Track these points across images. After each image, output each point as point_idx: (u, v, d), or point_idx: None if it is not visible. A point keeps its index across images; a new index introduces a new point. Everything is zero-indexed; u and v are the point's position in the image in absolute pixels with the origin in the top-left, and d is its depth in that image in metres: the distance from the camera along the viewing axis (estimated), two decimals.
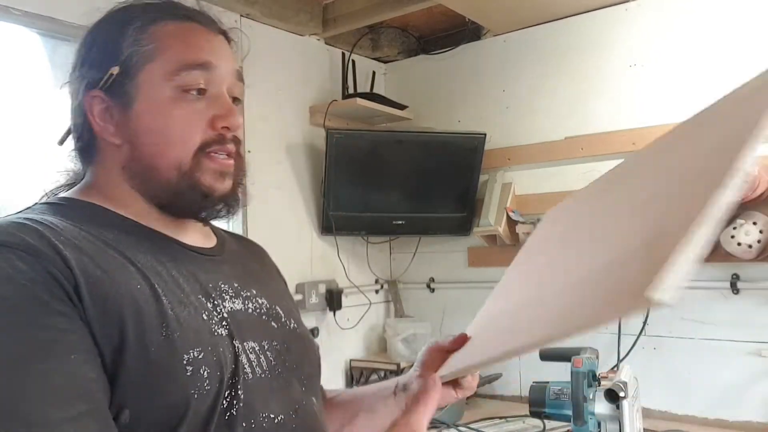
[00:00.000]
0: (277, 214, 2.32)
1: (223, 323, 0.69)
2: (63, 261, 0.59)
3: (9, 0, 1.61)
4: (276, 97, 2.36)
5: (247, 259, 0.86)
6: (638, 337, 2.11)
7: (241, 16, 2.25)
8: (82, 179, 0.78)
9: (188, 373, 0.61)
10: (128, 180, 0.74)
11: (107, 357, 0.58)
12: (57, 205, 0.71)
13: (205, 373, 0.62)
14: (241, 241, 0.93)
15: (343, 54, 2.57)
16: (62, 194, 0.76)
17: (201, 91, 0.74)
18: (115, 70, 0.72)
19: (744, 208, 1.89)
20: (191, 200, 0.74)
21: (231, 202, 0.77)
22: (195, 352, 0.62)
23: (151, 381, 0.59)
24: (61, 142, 0.79)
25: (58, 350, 0.55)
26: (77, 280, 0.58)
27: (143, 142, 0.73)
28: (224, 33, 0.80)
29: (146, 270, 0.66)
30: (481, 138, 2.38)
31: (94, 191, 0.74)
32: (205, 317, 0.68)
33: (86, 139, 0.75)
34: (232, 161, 0.76)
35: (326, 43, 2.59)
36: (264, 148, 2.30)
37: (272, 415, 0.69)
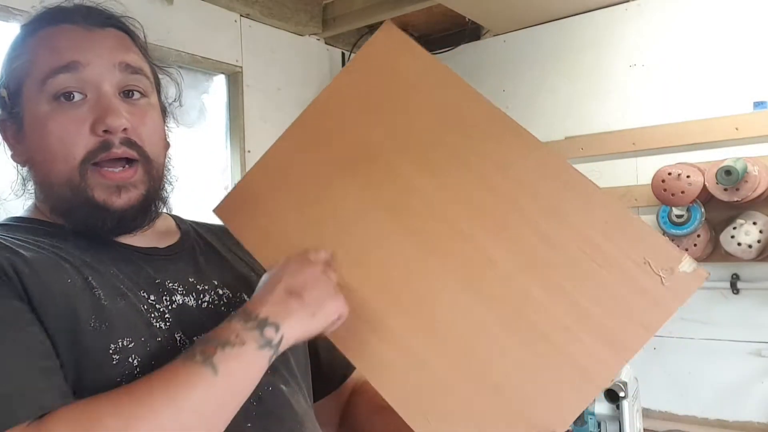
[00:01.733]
0: None
1: (165, 317, 0.68)
2: None
3: (9, 0, 1.61)
4: (276, 97, 2.36)
5: (214, 251, 0.83)
6: None
7: (241, 16, 2.25)
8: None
9: (114, 362, 0.62)
10: (41, 199, 0.73)
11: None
12: (3, 225, 0.73)
13: (135, 361, 0.63)
14: (215, 230, 0.88)
15: (343, 54, 2.57)
16: (11, 215, 0.76)
17: (71, 96, 0.68)
18: (3, 92, 0.70)
19: (744, 208, 1.89)
20: (88, 216, 0.68)
21: (144, 212, 0.71)
22: (125, 341, 0.63)
23: (80, 370, 0.61)
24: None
25: (21, 321, 0.58)
26: (9, 276, 0.60)
27: (36, 160, 0.70)
28: (114, 25, 0.73)
29: (81, 266, 0.66)
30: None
31: (37, 209, 0.74)
32: (143, 309, 0.67)
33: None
34: (130, 171, 0.69)
35: (326, 43, 2.59)
36: (264, 148, 2.27)
37: None
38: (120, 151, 0.68)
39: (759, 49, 1.94)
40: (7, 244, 0.65)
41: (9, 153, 0.73)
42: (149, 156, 0.71)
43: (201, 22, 2.11)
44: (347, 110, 0.77)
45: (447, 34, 2.68)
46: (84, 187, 0.67)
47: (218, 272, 0.79)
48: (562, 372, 0.64)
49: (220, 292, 0.77)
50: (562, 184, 0.67)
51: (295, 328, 0.63)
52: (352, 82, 0.78)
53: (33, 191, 0.74)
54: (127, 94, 0.71)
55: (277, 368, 0.74)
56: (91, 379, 0.61)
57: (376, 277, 0.73)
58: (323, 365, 0.86)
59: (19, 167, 0.74)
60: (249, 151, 2.25)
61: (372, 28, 2.66)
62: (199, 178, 2.12)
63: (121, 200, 0.69)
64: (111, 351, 0.62)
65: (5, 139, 0.72)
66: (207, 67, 2.19)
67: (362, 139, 0.75)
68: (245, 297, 0.78)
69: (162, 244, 0.77)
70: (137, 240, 0.74)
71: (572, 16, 2.30)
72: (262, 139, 2.29)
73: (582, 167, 2.31)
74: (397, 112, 0.74)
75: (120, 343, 0.63)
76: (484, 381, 0.66)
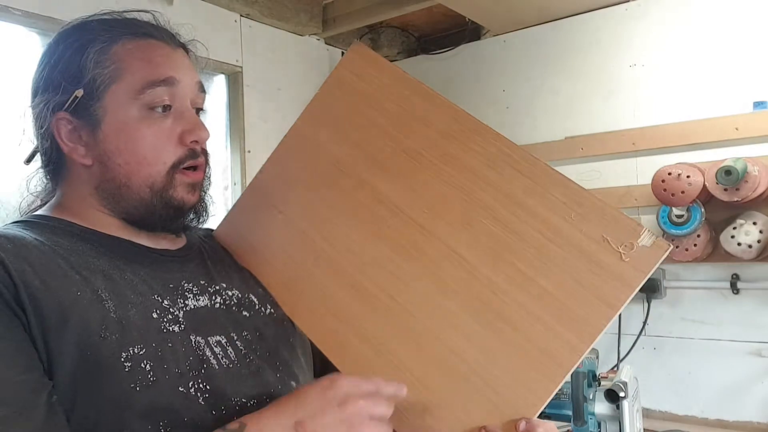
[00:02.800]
0: None
1: (179, 320, 0.71)
2: (5, 270, 0.62)
3: (9, 0, 1.61)
4: (276, 97, 2.36)
5: (219, 254, 0.88)
6: (638, 337, 2.11)
7: (241, 16, 2.25)
8: (53, 196, 0.80)
9: (126, 369, 0.64)
10: (100, 199, 0.75)
11: (45, 363, 0.61)
12: (25, 222, 0.74)
13: (147, 366, 0.65)
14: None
15: (343, 54, 2.57)
16: (36, 212, 0.78)
17: (166, 108, 0.75)
18: (80, 92, 0.72)
19: (744, 208, 1.89)
20: (165, 215, 0.76)
21: (199, 210, 0.80)
22: (136, 348, 0.65)
23: (90, 382, 0.62)
24: (27, 161, 0.81)
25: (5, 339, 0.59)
26: (17, 288, 0.61)
27: (114, 162, 0.74)
28: (183, 46, 0.81)
29: (92, 276, 0.68)
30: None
31: (64, 209, 0.76)
32: (155, 316, 0.70)
33: (56, 160, 0.77)
34: (200, 174, 0.79)
35: (326, 43, 2.59)
36: (264, 148, 2.30)
37: (244, 400, 0.71)
38: (201, 159, 0.79)
39: (759, 49, 1.94)
40: (23, 252, 0.66)
41: (65, 150, 0.75)
42: (209, 163, 0.82)
43: (201, 22, 2.11)
44: (322, 131, 0.83)
45: (447, 34, 2.68)
46: (167, 187, 0.75)
47: (226, 274, 0.83)
48: (529, 357, 0.65)
49: (230, 293, 0.80)
50: (515, 170, 0.69)
51: None
52: (324, 103, 0.84)
53: (61, 192, 0.77)
54: (197, 110, 0.80)
55: (290, 366, 0.79)
56: (107, 388, 0.62)
57: (351, 281, 0.77)
58: (328, 367, 0.88)
59: (69, 161, 0.76)
60: (249, 151, 2.25)
61: (372, 28, 2.66)
62: None
63: (194, 197, 0.78)
64: (122, 359, 0.64)
65: (59, 136, 0.75)
66: (207, 67, 2.19)
67: (335, 157, 0.81)
68: (252, 298, 0.82)
69: (173, 247, 0.81)
70: (152, 242, 0.78)
71: (572, 16, 2.30)
72: (262, 139, 2.29)
73: (582, 167, 2.31)
74: (366, 126, 0.79)
75: (131, 351, 0.65)
76: (456, 373, 0.68)
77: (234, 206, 0.93)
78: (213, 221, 0.91)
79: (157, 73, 0.74)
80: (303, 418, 0.62)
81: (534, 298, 0.66)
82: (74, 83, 0.73)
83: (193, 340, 0.71)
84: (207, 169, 0.81)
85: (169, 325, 0.70)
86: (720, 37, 2.00)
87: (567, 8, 2.27)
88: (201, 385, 0.68)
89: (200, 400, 0.67)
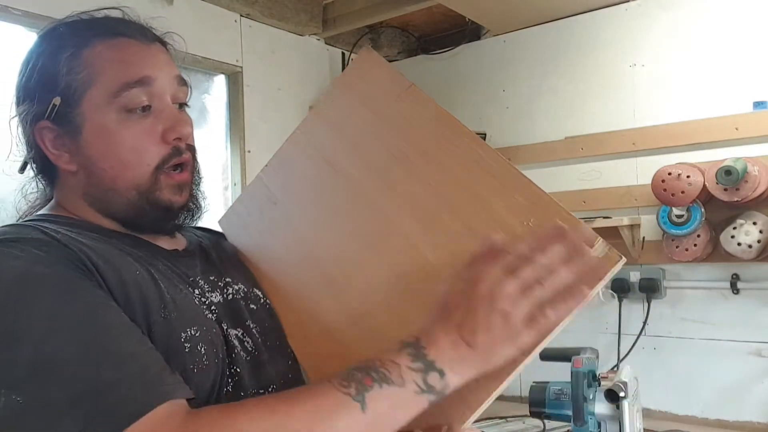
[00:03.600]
0: None
1: (212, 308, 0.74)
2: (72, 250, 0.63)
3: (9, 0, 1.61)
4: (276, 97, 2.36)
5: (219, 250, 0.89)
6: (638, 337, 2.11)
7: (241, 16, 2.25)
8: (50, 199, 0.80)
9: (186, 350, 0.65)
10: (91, 203, 0.75)
11: None
12: (37, 220, 0.73)
13: (203, 349, 0.66)
14: (213, 233, 0.96)
15: (343, 54, 2.57)
16: (37, 213, 0.78)
17: (145, 108, 0.73)
18: (57, 100, 0.72)
19: (744, 208, 1.89)
20: (153, 217, 0.75)
21: (191, 210, 0.79)
22: (192, 330, 0.66)
23: None
24: (21, 170, 0.80)
25: (113, 307, 0.61)
26: (87, 266, 0.63)
27: (99, 167, 0.73)
28: (159, 40, 0.79)
29: (140, 260, 0.70)
30: (481, 137, 2.38)
31: (63, 210, 0.76)
32: (197, 302, 0.72)
33: (46, 168, 0.77)
34: (187, 173, 0.77)
35: (326, 43, 2.59)
36: (264, 148, 2.30)
37: (261, 390, 0.72)
38: (187, 156, 0.76)
39: (759, 49, 1.94)
40: (73, 236, 0.67)
41: (51, 158, 0.75)
42: (197, 160, 0.80)
43: (201, 22, 2.12)
44: (324, 128, 0.86)
45: (447, 34, 2.68)
46: (154, 190, 0.73)
47: (230, 269, 0.84)
48: None
49: (236, 287, 0.82)
50: (485, 171, 0.70)
51: (463, 375, 0.60)
52: (330, 102, 0.87)
53: (56, 195, 0.78)
54: (179, 105, 0.78)
55: (294, 356, 0.80)
56: (171, 367, 0.62)
57: (322, 267, 0.81)
58: None
59: (59, 169, 0.76)
60: (249, 151, 2.25)
61: (372, 28, 2.66)
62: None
63: (182, 198, 0.77)
64: (182, 339, 0.65)
65: (43, 144, 0.74)
66: (207, 67, 2.19)
67: (331, 154, 0.84)
68: (257, 291, 0.84)
69: (180, 247, 0.82)
70: (162, 242, 0.79)
71: (572, 16, 2.30)
72: (262, 139, 2.29)
73: (582, 167, 2.31)
74: (361, 125, 0.82)
75: (189, 332, 0.66)
76: None
77: (238, 198, 0.97)
78: (211, 220, 0.92)
79: (131, 74, 0.72)
80: (461, 326, 0.60)
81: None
82: (51, 91, 0.72)
83: (225, 328, 0.73)
84: (195, 166, 0.79)
85: (207, 312, 0.72)
86: (720, 37, 2.00)
87: (567, 8, 2.27)
88: (233, 370, 0.70)
89: (229, 387, 0.69)
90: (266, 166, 0.93)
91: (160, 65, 0.75)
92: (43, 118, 0.73)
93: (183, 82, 0.78)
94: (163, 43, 0.79)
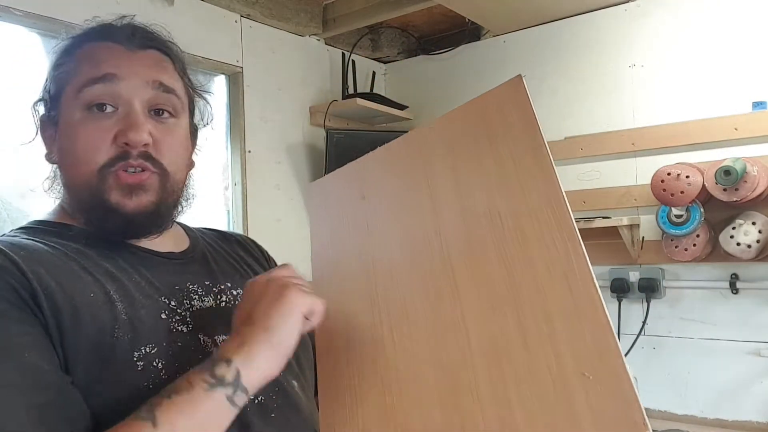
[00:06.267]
0: (277, 214, 2.32)
1: (187, 320, 0.72)
2: (21, 274, 0.63)
3: (9, 0, 1.62)
4: (276, 97, 2.37)
5: (222, 254, 0.88)
6: (638, 337, 2.11)
7: (242, 16, 2.25)
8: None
9: (139, 368, 0.65)
10: (69, 202, 0.76)
11: (61, 362, 0.62)
12: (29, 228, 0.75)
13: (159, 364, 0.66)
14: (219, 235, 0.94)
15: (343, 54, 2.58)
16: (36, 219, 0.79)
17: (103, 107, 0.71)
18: (46, 95, 0.75)
19: (743, 208, 1.90)
20: (102, 216, 0.72)
21: (153, 219, 0.74)
22: (148, 348, 0.66)
23: (103, 381, 0.63)
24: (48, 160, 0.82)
25: (15, 350, 0.59)
26: (35, 291, 0.62)
27: (62, 162, 0.75)
28: (154, 46, 0.77)
29: (103, 278, 0.69)
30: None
31: (62, 212, 0.77)
32: (164, 316, 0.71)
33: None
34: (144, 175, 0.72)
35: (326, 44, 2.60)
36: (264, 148, 2.30)
37: (251, 397, 0.70)
38: (136, 162, 0.72)
39: (759, 49, 1.94)
40: (44, 251, 0.67)
41: (44, 152, 0.77)
42: (167, 170, 0.74)
43: (201, 22, 2.12)
44: (438, 144, 0.78)
45: (447, 34, 2.68)
46: (101, 189, 0.71)
47: (230, 275, 0.84)
48: None
49: (234, 292, 0.81)
50: (568, 287, 0.61)
51: (252, 355, 0.62)
52: (457, 118, 0.78)
53: (60, 191, 0.78)
54: (157, 112, 0.75)
55: (290, 364, 0.77)
56: (121, 387, 0.63)
57: (370, 292, 0.76)
58: None
59: (53, 167, 0.78)
60: (249, 151, 2.26)
61: (372, 29, 2.66)
62: (199, 178, 2.12)
63: (132, 202, 0.72)
64: (135, 358, 0.65)
65: (43, 138, 0.77)
66: (207, 67, 2.19)
67: (431, 173, 0.77)
68: None
69: (177, 249, 0.81)
70: (155, 244, 0.78)
71: (572, 16, 2.30)
72: (262, 139, 2.30)
73: (582, 167, 2.31)
74: (474, 159, 0.74)
75: (143, 350, 0.66)
76: None
77: (333, 172, 0.90)
78: (212, 220, 0.90)
79: (96, 71, 0.72)
80: (245, 311, 0.66)
81: (496, 418, 0.61)
82: (45, 88, 0.76)
83: (201, 339, 0.72)
84: (164, 177, 0.74)
85: (178, 326, 0.71)
86: (720, 37, 2.00)
87: (567, 8, 2.27)
88: None
89: None
90: (376, 150, 0.84)
91: (133, 67, 0.73)
92: (43, 112, 0.77)
93: (165, 89, 0.75)
94: (162, 50, 0.78)
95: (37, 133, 0.78)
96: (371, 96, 2.53)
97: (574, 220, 0.64)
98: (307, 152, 2.47)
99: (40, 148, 0.79)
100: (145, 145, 0.71)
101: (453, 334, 0.67)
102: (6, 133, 1.61)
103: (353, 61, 2.60)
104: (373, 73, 2.75)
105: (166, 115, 0.75)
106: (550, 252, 0.64)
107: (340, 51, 2.60)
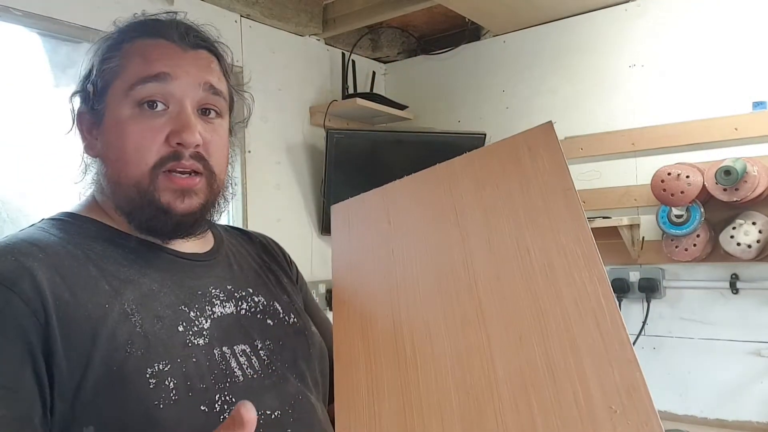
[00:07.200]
0: (277, 214, 2.32)
1: (204, 333, 0.71)
2: (35, 286, 0.62)
3: (9, 0, 1.62)
4: (276, 97, 2.37)
5: (246, 257, 0.87)
6: (638, 337, 2.11)
7: (242, 16, 2.25)
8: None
9: (151, 386, 0.63)
10: (107, 196, 0.75)
11: (66, 373, 0.61)
12: (58, 221, 0.74)
13: (171, 383, 0.64)
14: (244, 236, 0.94)
15: (343, 54, 2.58)
16: (66, 210, 0.78)
17: (154, 105, 0.72)
18: (90, 87, 0.74)
19: (743, 208, 1.90)
20: (151, 216, 0.72)
21: (199, 221, 0.75)
22: (161, 365, 0.65)
23: (114, 396, 0.62)
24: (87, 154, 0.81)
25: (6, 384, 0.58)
26: (45, 304, 0.61)
27: (108, 158, 0.73)
28: (205, 47, 0.78)
29: (122, 286, 0.68)
30: (481, 138, 2.39)
31: (94, 206, 0.76)
32: (181, 329, 0.69)
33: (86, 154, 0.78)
34: (196, 179, 0.73)
35: (326, 44, 2.60)
36: (264, 148, 2.30)
37: (268, 412, 0.70)
38: (189, 163, 0.72)
39: (759, 49, 1.94)
40: (55, 261, 0.66)
41: (82, 144, 0.76)
42: (214, 171, 0.75)
43: (201, 22, 2.11)
44: (467, 178, 0.80)
45: (447, 34, 2.68)
46: (152, 190, 0.71)
47: (252, 279, 0.82)
48: None
49: (256, 299, 0.80)
50: (595, 323, 0.63)
51: None
52: (487, 155, 0.81)
53: (94, 181, 0.77)
54: (204, 111, 0.75)
55: (306, 378, 0.78)
56: (132, 405, 0.62)
57: (394, 313, 0.76)
58: None
59: (85, 156, 0.77)
60: (249, 151, 2.26)
61: (372, 29, 2.66)
62: None
63: (184, 205, 0.72)
64: (148, 375, 0.64)
65: (80, 131, 0.76)
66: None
67: (459, 206, 0.79)
68: (277, 306, 0.82)
69: (201, 250, 0.80)
70: (180, 245, 0.77)
71: (572, 16, 2.30)
72: (262, 139, 2.30)
73: (582, 167, 2.31)
74: (502, 197, 0.76)
75: (156, 367, 0.64)
76: None
77: (357, 196, 0.91)
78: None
79: (149, 69, 0.72)
80: None
81: None
82: (88, 79, 0.74)
83: (217, 353, 0.70)
84: (211, 178, 0.75)
85: (195, 338, 0.70)
86: (720, 37, 2.00)
87: (567, 8, 2.27)
88: (227, 398, 0.68)
89: (226, 414, 0.66)
90: (403, 178, 0.86)
91: (185, 67, 0.74)
92: (83, 105, 0.75)
93: (215, 90, 0.75)
94: (212, 52, 0.79)
95: (73, 125, 0.76)
96: (371, 96, 2.53)
97: (602, 261, 0.65)
98: (307, 152, 2.47)
99: (72, 141, 0.77)
100: (197, 146, 0.72)
101: (478, 359, 0.67)
102: (6, 133, 1.61)
103: (353, 61, 2.60)
104: (373, 73, 2.75)
105: (212, 114, 0.76)
106: (578, 289, 0.65)
107: (340, 51, 2.60)
